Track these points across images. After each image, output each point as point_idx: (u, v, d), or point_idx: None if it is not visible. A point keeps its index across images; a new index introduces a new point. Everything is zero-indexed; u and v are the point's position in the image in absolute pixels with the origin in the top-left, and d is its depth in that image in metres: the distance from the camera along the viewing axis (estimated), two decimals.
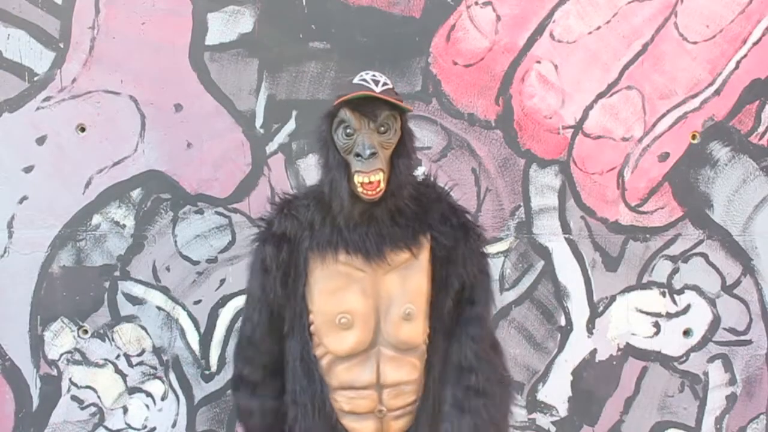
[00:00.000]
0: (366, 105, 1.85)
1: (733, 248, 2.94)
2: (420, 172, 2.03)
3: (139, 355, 2.83)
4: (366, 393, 1.98)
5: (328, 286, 1.95)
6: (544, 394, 2.92)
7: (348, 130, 1.87)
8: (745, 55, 2.89)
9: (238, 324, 2.80)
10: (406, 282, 1.95)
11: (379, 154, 1.84)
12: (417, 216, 1.96)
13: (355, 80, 1.93)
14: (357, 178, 1.85)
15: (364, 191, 1.85)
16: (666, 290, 2.93)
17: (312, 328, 1.99)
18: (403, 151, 1.90)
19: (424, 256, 1.97)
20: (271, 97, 2.80)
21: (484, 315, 2.05)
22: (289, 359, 2.04)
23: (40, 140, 2.77)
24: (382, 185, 1.85)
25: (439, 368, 2.03)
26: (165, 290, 2.82)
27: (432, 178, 2.07)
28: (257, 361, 2.08)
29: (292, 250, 1.97)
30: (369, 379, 1.97)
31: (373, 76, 1.92)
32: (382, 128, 1.87)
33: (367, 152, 1.82)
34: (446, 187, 2.08)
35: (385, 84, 1.92)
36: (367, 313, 1.95)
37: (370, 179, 1.83)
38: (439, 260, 1.98)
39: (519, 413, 2.91)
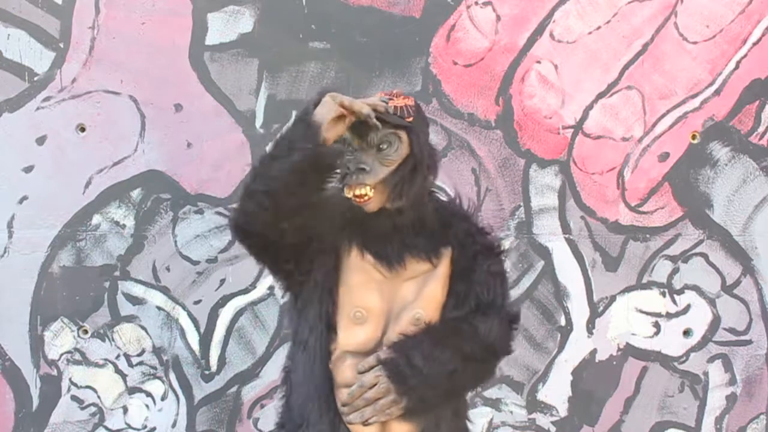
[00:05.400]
0: (362, 126, 1.92)
1: (733, 248, 2.94)
2: None
3: (139, 355, 2.83)
4: None
5: (350, 280, 1.99)
6: (544, 394, 2.92)
7: (350, 149, 1.95)
8: (745, 55, 2.89)
9: (238, 324, 2.82)
10: (422, 290, 2.00)
11: (371, 169, 1.91)
12: (441, 230, 2.02)
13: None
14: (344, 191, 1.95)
15: (354, 200, 1.93)
16: (666, 290, 2.93)
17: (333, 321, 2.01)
18: (407, 167, 1.95)
19: (444, 268, 2.01)
20: (271, 97, 2.80)
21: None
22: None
23: (40, 140, 2.77)
24: (369, 195, 1.91)
25: None
26: (165, 290, 2.82)
27: (457, 200, 2.13)
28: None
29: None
30: None
31: (384, 98, 1.96)
32: (382, 145, 1.93)
33: (353, 168, 1.92)
34: (470, 209, 2.13)
35: (394, 102, 1.96)
36: (381, 314, 1.98)
37: (353, 192, 1.91)
38: (459, 275, 2.02)
39: (519, 413, 2.91)
